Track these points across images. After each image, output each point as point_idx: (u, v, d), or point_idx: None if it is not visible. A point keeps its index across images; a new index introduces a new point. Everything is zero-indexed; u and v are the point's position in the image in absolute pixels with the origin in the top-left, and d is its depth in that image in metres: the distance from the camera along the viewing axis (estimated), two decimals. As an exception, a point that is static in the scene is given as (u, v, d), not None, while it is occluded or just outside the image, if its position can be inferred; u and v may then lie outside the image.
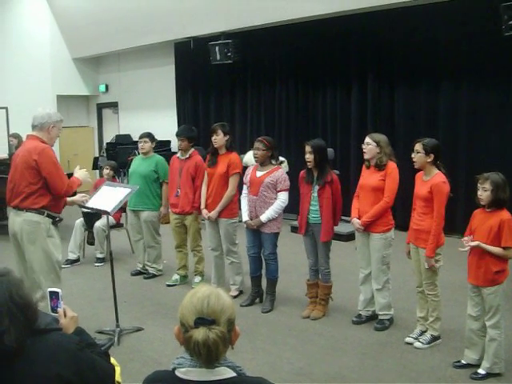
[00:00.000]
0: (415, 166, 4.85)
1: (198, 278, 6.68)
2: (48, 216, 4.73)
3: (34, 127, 4.77)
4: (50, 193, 4.72)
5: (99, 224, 7.64)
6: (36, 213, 4.68)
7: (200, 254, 6.71)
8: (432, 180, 4.70)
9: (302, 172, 5.67)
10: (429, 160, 4.71)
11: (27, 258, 4.75)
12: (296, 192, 5.81)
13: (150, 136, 7.07)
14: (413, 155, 4.79)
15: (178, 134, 6.62)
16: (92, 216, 7.53)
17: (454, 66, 8.55)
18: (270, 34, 10.45)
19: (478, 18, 8.03)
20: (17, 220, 4.73)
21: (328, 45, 9.96)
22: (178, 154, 6.71)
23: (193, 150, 6.63)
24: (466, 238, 4.27)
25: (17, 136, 10.64)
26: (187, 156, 6.56)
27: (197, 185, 6.47)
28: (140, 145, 7.09)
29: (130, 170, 7.18)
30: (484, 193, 4.16)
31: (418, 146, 4.74)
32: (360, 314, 5.53)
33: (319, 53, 10.11)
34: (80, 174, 5.07)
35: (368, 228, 5.21)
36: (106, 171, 7.88)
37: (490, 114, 8.32)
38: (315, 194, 5.47)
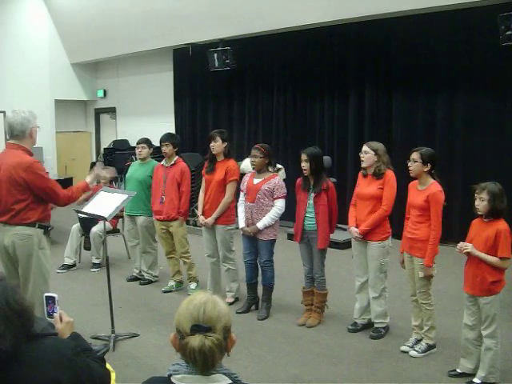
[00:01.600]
0: (411, 175, 4.86)
1: (193, 285, 6.68)
2: (39, 227, 4.57)
3: (13, 137, 4.48)
4: (41, 205, 4.54)
5: (96, 229, 7.63)
6: (27, 226, 4.50)
7: (189, 260, 6.70)
8: (428, 189, 4.72)
9: (298, 179, 5.68)
10: (426, 169, 4.73)
11: (20, 271, 4.61)
12: (293, 199, 5.82)
13: (147, 142, 7.11)
14: (409, 164, 4.80)
15: (162, 140, 6.69)
16: (88, 221, 7.52)
17: (452, 75, 8.59)
18: (269, 41, 10.48)
19: (476, 28, 8.07)
20: (6, 234, 4.54)
21: (326, 53, 10.00)
22: (163, 162, 6.76)
23: (177, 157, 6.70)
24: (461, 244, 4.27)
25: None
26: (172, 163, 6.62)
27: (182, 190, 6.54)
28: (137, 150, 7.13)
29: (127, 175, 7.20)
30: (481, 203, 4.16)
31: (416, 155, 4.75)
32: (356, 322, 5.53)
33: (317, 61, 10.14)
34: (96, 174, 5.04)
35: (366, 236, 5.22)
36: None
37: (487, 123, 8.34)
38: (311, 202, 5.48)
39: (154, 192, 6.74)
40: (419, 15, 8.37)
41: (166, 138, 6.71)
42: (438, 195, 4.68)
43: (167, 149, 6.61)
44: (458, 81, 8.57)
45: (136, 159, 7.49)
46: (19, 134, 4.47)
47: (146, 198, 6.89)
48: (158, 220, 6.69)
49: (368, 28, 9.15)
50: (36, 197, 4.48)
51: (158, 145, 6.96)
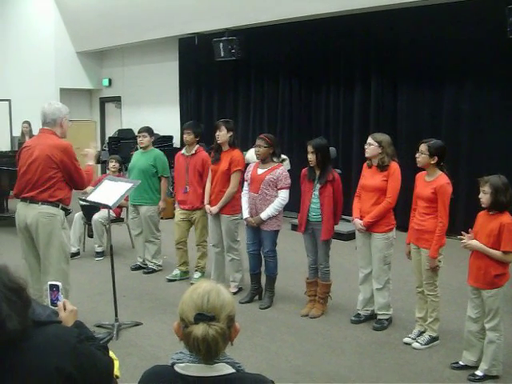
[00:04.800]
0: (418, 165, 4.85)
1: (197, 274, 6.68)
2: (62, 208, 4.82)
3: (46, 124, 4.81)
4: (67, 186, 4.83)
5: (97, 216, 7.64)
6: (52, 205, 4.74)
7: (204, 249, 6.71)
8: (436, 181, 4.70)
9: (303, 170, 5.66)
10: (432, 162, 4.71)
11: (42, 250, 4.79)
12: (298, 190, 5.81)
13: (148, 130, 7.10)
14: (417, 155, 4.79)
15: (184, 127, 6.67)
16: (91, 209, 7.53)
17: (458, 66, 8.54)
18: (275, 31, 10.44)
19: (483, 20, 8.02)
20: (30, 213, 4.74)
21: (332, 43, 9.95)
22: (183, 151, 6.73)
23: (198, 146, 6.66)
24: (467, 235, 4.26)
25: (29, 123, 11.62)
26: (193, 152, 6.58)
27: (205, 181, 6.50)
28: (139, 139, 7.12)
29: (130, 164, 7.19)
30: (484, 195, 4.17)
31: (423, 147, 4.73)
32: (359, 314, 5.53)
33: (323, 51, 10.10)
34: (90, 153, 5.22)
35: (370, 228, 5.21)
36: (111, 164, 7.90)
37: (493, 115, 8.31)
38: (317, 192, 5.47)
39: (177, 181, 6.75)
40: (426, 7, 8.34)
41: (189, 125, 6.70)
42: (445, 187, 4.66)
43: (188, 137, 6.57)
44: (464, 73, 8.52)
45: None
46: (51, 122, 4.80)
47: (148, 188, 6.89)
48: (181, 209, 6.68)
49: (374, 20, 9.11)
50: (64, 178, 4.77)
51: (163, 134, 6.95)
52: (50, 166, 4.68)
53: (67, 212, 4.96)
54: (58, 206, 4.78)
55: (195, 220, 6.63)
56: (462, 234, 4.31)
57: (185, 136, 6.61)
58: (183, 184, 6.61)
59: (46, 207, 4.73)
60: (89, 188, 5.67)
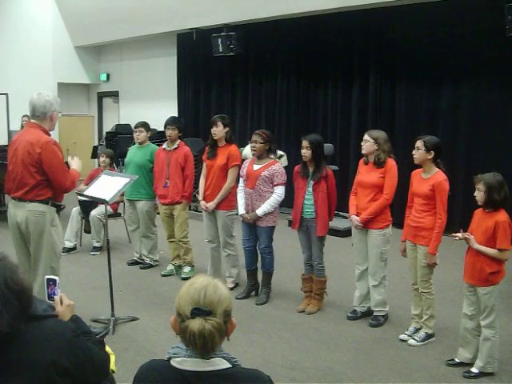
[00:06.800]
0: (415, 162, 4.84)
1: (187, 268, 6.64)
2: (52, 205, 4.67)
3: (35, 117, 4.62)
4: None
5: (95, 213, 7.62)
6: (41, 203, 4.60)
7: (186, 245, 6.69)
8: (433, 178, 4.71)
9: (296, 167, 5.66)
10: (429, 157, 4.71)
11: (32, 248, 4.70)
12: (293, 186, 5.80)
13: (145, 125, 7.08)
14: (414, 152, 4.79)
15: (167, 123, 6.65)
16: (88, 204, 7.52)
17: (457, 64, 8.54)
18: (274, 27, 10.43)
19: (482, 18, 8.02)
20: (20, 211, 4.63)
21: (331, 40, 9.95)
22: (164, 146, 6.73)
23: (179, 141, 6.68)
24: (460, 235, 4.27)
25: (29, 117, 11.20)
26: (175, 147, 6.60)
27: (186, 174, 6.54)
28: (135, 134, 7.09)
29: (126, 159, 7.17)
30: (478, 193, 4.19)
31: (419, 143, 4.74)
32: (355, 310, 5.54)
33: (322, 48, 10.09)
34: (76, 164, 4.95)
35: (366, 224, 5.21)
36: (102, 159, 7.89)
37: (490, 113, 8.31)
38: (310, 189, 5.46)
39: (157, 176, 6.73)
40: (424, 4, 8.33)
41: (172, 121, 6.68)
42: (443, 184, 4.67)
43: (173, 132, 6.57)
44: (462, 70, 8.52)
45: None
46: (40, 116, 4.61)
47: (145, 183, 6.88)
48: (162, 204, 6.70)
49: (373, 17, 9.12)
50: (45, 177, 4.55)
51: (161, 129, 6.92)
52: (32, 164, 4.50)
53: (59, 208, 4.79)
54: (47, 203, 4.62)
55: (175, 215, 6.64)
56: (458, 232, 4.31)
57: (169, 132, 6.59)
58: (163, 178, 6.62)
59: (34, 205, 4.60)
60: (82, 185, 5.52)
